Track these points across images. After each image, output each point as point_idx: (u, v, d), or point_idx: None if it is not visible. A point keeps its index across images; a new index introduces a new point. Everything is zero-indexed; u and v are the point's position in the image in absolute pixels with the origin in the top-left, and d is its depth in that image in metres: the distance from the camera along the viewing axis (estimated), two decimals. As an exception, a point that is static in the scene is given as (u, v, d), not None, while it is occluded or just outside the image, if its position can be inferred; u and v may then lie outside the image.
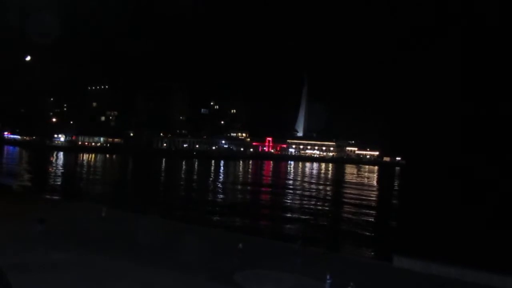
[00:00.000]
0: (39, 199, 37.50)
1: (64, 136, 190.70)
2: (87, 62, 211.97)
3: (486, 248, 28.63)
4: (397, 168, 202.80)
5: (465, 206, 56.60)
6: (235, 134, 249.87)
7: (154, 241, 22.04)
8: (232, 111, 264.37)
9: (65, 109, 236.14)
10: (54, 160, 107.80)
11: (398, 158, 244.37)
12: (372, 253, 27.77)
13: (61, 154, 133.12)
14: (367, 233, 35.93)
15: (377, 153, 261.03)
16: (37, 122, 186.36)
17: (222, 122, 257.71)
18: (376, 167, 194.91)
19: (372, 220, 44.16)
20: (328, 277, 15.78)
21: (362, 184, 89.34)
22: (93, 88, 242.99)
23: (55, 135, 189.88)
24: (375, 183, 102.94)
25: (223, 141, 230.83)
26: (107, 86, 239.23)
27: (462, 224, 40.35)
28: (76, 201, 37.73)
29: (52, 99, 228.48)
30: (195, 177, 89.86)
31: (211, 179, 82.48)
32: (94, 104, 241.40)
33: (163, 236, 23.76)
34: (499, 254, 26.48)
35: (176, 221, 30.36)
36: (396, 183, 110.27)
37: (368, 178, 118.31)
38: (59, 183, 60.48)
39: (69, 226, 24.33)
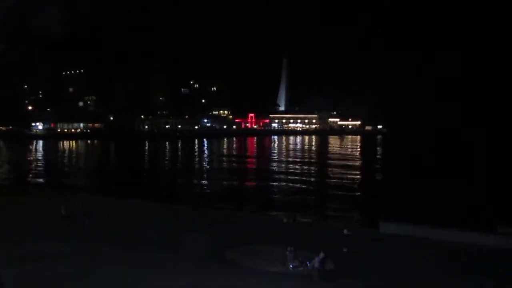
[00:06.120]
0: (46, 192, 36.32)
1: (42, 124, 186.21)
2: (60, 46, 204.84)
3: (470, 211, 29.43)
4: (379, 136, 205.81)
5: (446, 171, 58.00)
6: (217, 112, 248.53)
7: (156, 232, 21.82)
8: (212, 89, 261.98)
9: (40, 96, 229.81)
10: (34, 149, 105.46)
11: (379, 127, 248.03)
12: (359, 221, 28.34)
13: (40, 143, 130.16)
14: (353, 202, 36.54)
15: (358, 122, 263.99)
16: (13, 111, 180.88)
17: (203, 101, 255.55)
18: (358, 137, 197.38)
19: (357, 188, 45.10)
20: (288, 249, 15.59)
21: (347, 155, 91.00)
22: (68, 73, 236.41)
23: (33, 124, 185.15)
24: (358, 153, 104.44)
25: (206, 120, 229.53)
26: (82, 70, 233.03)
27: (444, 190, 41.34)
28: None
29: (26, 86, 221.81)
30: (180, 159, 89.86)
31: (196, 160, 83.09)
32: (71, 89, 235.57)
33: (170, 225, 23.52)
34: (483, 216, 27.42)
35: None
36: (378, 152, 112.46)
37: (352, 149, 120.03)
38: (45, 173, 59.07)
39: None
